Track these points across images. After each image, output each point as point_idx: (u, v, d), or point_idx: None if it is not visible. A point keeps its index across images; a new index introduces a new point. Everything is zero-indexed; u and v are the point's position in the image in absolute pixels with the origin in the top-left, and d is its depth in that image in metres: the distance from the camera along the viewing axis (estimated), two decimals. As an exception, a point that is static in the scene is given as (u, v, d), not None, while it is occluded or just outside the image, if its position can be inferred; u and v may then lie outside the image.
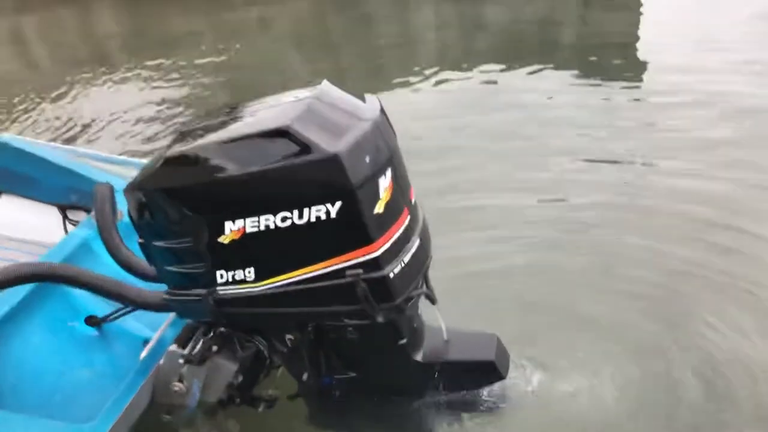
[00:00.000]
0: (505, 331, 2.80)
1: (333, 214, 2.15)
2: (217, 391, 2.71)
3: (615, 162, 5.10)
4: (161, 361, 2.73)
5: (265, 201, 2.20)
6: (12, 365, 2.74)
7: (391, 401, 2.78)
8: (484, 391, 2.76)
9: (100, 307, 3.00)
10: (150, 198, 2.36)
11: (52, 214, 3.97)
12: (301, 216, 2.18)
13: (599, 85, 6.60)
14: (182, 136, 2.39)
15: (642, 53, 7.50)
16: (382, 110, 2.36)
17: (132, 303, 2.72)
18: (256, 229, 2.23)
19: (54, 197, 3.92)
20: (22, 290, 2.90)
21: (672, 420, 2.90)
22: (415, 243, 2.38)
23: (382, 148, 2.25)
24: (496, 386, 2.75)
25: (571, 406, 2.91)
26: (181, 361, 2.66)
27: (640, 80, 6.75)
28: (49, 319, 2.95)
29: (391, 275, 2.26)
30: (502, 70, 7.26)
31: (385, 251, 2.24)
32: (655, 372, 3.12)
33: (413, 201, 2.47)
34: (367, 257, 2.22)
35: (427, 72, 7.53)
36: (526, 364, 2.97)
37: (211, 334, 2.67)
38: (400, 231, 2.31)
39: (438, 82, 7.29)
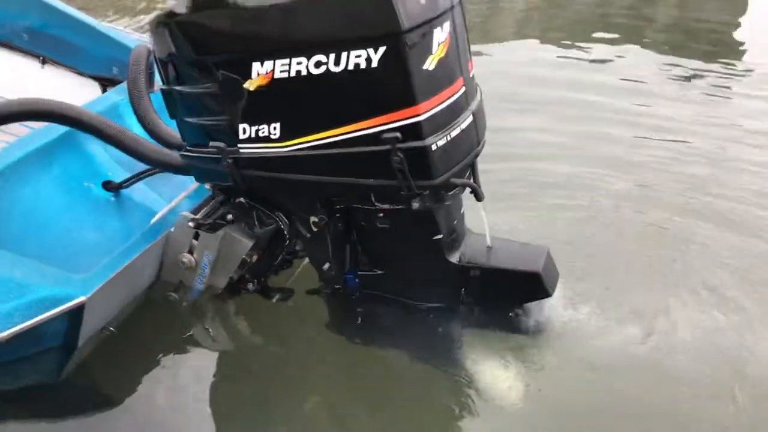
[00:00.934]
0: (561, 255, 2.44)
1: (374, 63, 1.84)
2: (229, 268, 2.46)
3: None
4: (172, 229, 2.50)
5: (299, 40, 1.90)
6: (19, 212, 2.55)
7: (417, 308, 2.47)
8: (524, 313, 2.43)
9: (120, 174, 2.79)
10: (176, 32, 2.08)
11: (93, 87, 3.78)
12: (338, 62, 1.87)
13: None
14: None
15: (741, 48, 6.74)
16: None
17: (146, 159, 2.49)
18: (286, 75, 1.94)
19: (95, 68, 3.73)
20: (42, 138, 2.72)
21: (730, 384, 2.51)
22: (467, 120, 2.06)
23: (443, -6, 1.92)
24: (536, 311, 2.43)
25: (614, 356, 2.53)
26: (192, 227, 2.42)
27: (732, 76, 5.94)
28: (64, 175, 2.75)
29: (434, 147, 1.94)
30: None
31: (430, 117, 1.92)
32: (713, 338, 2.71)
33: (472, 75, 2.13)
34: (409, 121, 1.90)
35: (509, 41, 6.98)
36: (575, 297, 2.60)
37: (230, 202, 2.42)
38: (452, 100, 1.99)
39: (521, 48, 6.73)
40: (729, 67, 5.83)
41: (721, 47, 6.66)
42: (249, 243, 2.42)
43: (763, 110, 4.80)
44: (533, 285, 2.33)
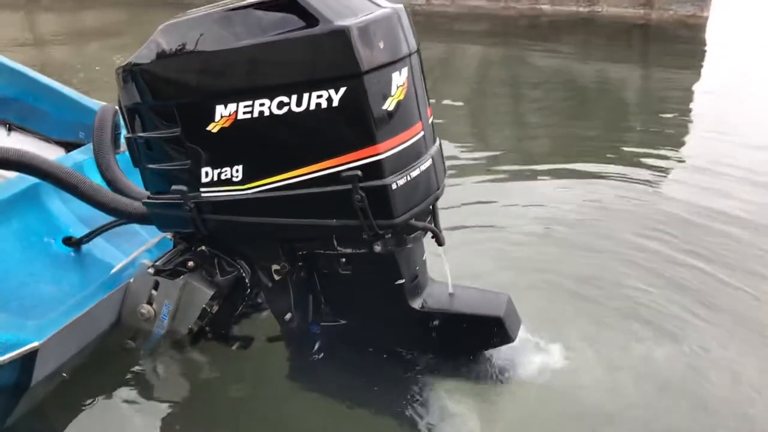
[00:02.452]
0: (521, 301, 2.46)
1: (335, 103, 1.90)
2: (188, 318, 2.42)
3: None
4: (131, 280, 2.47)
5: (262, 82, 1.95)
6: None
7: (380, 357, 2.44)
8: (488, 358, 2.42)
9: (81, 230, 2.77)
10: (140, 79, 2.13)
11: (59, 152, 3.79)
12: (300, 102, 1.92)
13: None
14: (182, 12, 2.18)
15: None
16: (408, 12, 2.12)
17: (106, 208, 2.48)
18: (248, 116, 1.98)
19: (62, 133, 3.75)
20: (3, 193, 2.71)
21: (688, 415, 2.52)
22: (426, 162, 2.10)
23: (401, 41, 2.00)
24: (501, 355, 2.42)
25: (579, 394, 2.53)
26: (151, 277, 2.40)
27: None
28: (24, 230, 2.72)
29: (394, 186, 1.98)
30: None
31: (390, 157, 1.97)
32: (675, 363, 2.75)
33: (430, 121, 2.20)
34: (369, 160, 1.94)
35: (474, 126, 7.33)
36: (538, 339, 2.60)
37: (191, 251, 2.40)
38: (411, 141, 2.04)
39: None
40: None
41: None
42: (209, 292, 2.40)
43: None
44: (496, 330, 2.33)
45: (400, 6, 2.07)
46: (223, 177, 2.10)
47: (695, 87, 7.98)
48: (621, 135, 6.28)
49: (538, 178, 4.91)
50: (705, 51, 9.52)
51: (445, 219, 2.36)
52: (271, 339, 2.52)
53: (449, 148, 5.14)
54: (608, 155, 5.46)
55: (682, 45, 9.80)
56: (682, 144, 5.98)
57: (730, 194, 4.48)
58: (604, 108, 7.41)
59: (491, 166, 5.18)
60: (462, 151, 5.49)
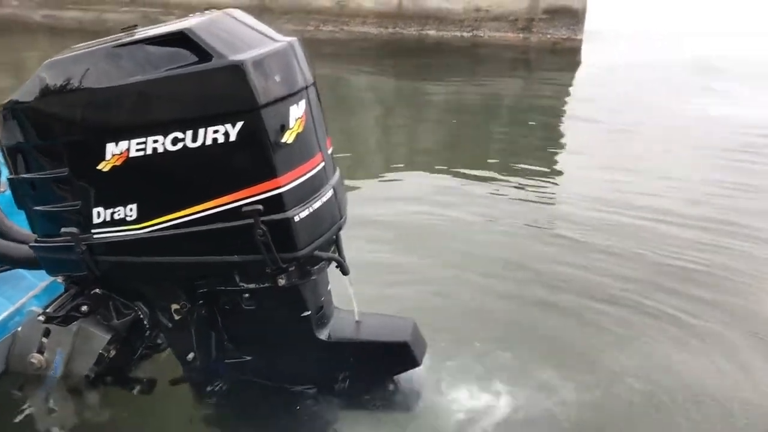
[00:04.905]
0: (428, 326, 2.49)
1: (233, 137, 1.87)
2: (84, 364, 2.31)
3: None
4: (19, 329, 2.33)
5: (155, 118, 1.90)
6: None
7: (288, 391, 2.40)
8: (395, 385, 2.43)
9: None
10: (23, 118, 2.03)
11: None
12: (195, 138, 1.88)
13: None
14: (70, 48, 2.09)
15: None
16: (302, 44, 2.12)
17: None
18: (142, 154, 1.92)
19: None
20: None
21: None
22: (328, 193, 2.11)
23: (297, 74, 2.00)
24: (408, 379, 2.43)
25: (485, 414, 2.58)
26: (41, 324, 2.26)
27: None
28: None
29: (297, 218, 1.97)
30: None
31: (291, 189, 1.96)
32: (579, 388, 2.84)
33: (330, 151, 2.21)
34: (270, 193, 1.93)
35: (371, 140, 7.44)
36: (444, 362, 2.64)
37: (84, 294, 2.29)
38: (312, 173, 2.04)
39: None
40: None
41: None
42: (106, 336, 2.29)
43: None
44: (402, 355, 2.34)
45: (294, 39, 2.08)
46: (116, 217, 2.02)
47: (570, 100, 8.56)
48: (509, 152, 6.59)
49: (436, 198, 5.01)
50: (579, 68, 10.21)
51: (348, 246, 2.37)
52: (175, 381, 2.43)
53: (349, 172, 5.17)
54: (500, 173, 5.70)
55: (559, 64, 10.41)
56: (559, 155, 6.45)
57: (616, 202, 4.79)
58: (494, 126, 7.76)
59: (391, 187, 5.26)
60: (361, 175, 5.55)
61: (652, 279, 3.75)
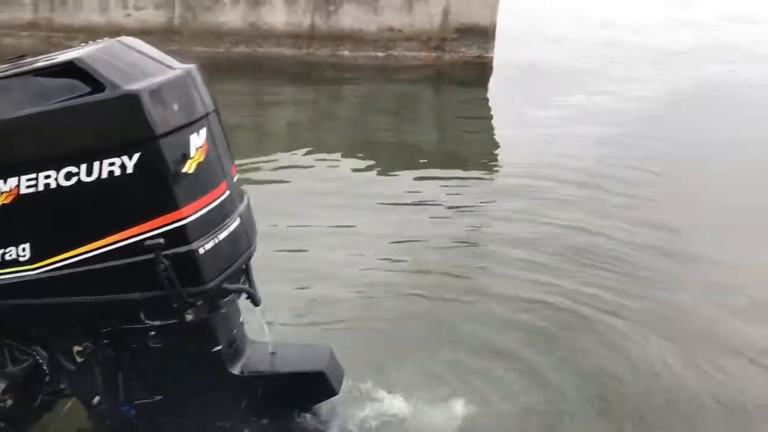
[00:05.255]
0: (345, 352, 2.46)
1: (130, 169, 1.80)
2: (-24, 417, 2.15)
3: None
4: None
5: (46, 152, 1.81)
6: None
7: (203, 428, 2.31)
8: (315, 412, 2.37)
9: None
10: None
11: None
12: (90, 172, 1.80)
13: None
14: None
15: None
16: (200, 71, 2.07)
17: None
18: (33, 190, 1.82)
19: None
20: None
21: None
22: (235, 222, 2.05)
23: (196, 102, 1.95)
24: (328, 408, 2.38)
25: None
26: (-72, 376, 2.10)
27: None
28: None
29: (201, 251, 1.90)
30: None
31: (195, 221, 1.89)
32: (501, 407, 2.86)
33: (235, 179, 2.15)
34: (172, 226, 1.86)
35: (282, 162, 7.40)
36: (364, 387, 2.60)
37: (-25, 341, 2.14)
38: (216, 203, 1.98)
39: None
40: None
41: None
42: (1, 385, 2.14)
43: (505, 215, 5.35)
44: (319, 385, 2.30)
45: (193, 66, 2.02)
46: (7, 258, 1.90)
47: (483, 116, 8.98)
48: (425, 162, 6.69)
49: (349, 222, 4.96)
50: (490, 84, 10.53)
51: (259, 274, 2.30)
52: (81, 430, 2.30)
53: (261, 196, 5.04)
54: (411, 188, 5.74)
55: (471, 81, 10.69)
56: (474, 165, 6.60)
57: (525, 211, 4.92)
58: (410, 137, 7.86)
59: (304, 210, 5.17)
60: (274, 199, 5.46)
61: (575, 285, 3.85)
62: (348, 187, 5.81)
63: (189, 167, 1.88)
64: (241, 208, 2.12)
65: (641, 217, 4.91)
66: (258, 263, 2.26)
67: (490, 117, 9.33)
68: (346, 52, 11.25)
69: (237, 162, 2.20)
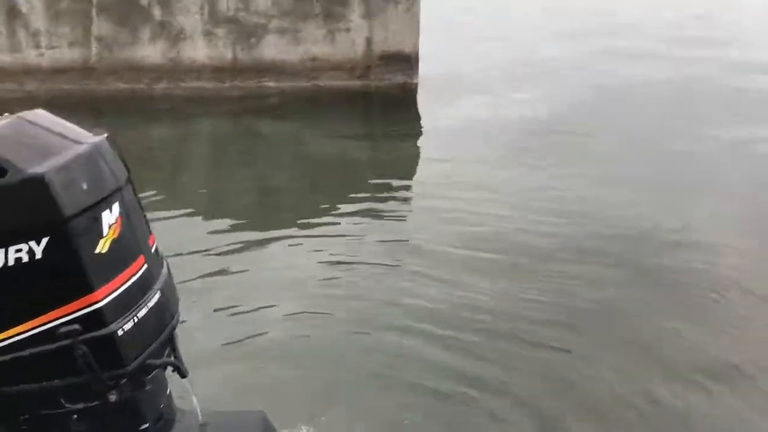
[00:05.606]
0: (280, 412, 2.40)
1: (39, 254, 1.71)
2: None
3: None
4: None
5: None
6: None
7: None
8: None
9: None
10: None
11: None
12: (-6, 260, 1.71)
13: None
14: None
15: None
16: (111, 140, 2.00)
17: None
18: (-67, 282, 1.71)
19: None
20: None
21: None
22: (155, 297, 1.98)
23: (107, 176, 1.88)
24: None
25: None
26: None
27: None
28: None
29: (120, 332, 1.83)
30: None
31: (111, 302, 1.82)
32: None
33: (153, 248, 2.08)
34: (87, 310, 1.78)
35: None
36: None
37: None
38: (133, 279, 1.91)
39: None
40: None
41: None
42: None
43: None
44: (255, 455, 2.24)
45: (101, 138, 1.95)
46: None
47: (410, 139, 9.44)
48: (354, 195, 6.80)
49: (281, 258, 4.93)
50: (417, 109, 10.73)
51: (183, 339, 2.23)
52: None
53: (185, 240, 4.91)
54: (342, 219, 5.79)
55: (397, 107, 10.86)
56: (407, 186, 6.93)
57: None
58: (337, 172, 7.89)
59: (228, 247, 5.11)
60: (192, 239, 5.33)
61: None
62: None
63: (102, 247, 1.81)
64: (162, 278, 2.05)
65: (561, 217, 5.12)
66: (182, 327, 2.19)
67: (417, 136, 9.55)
68: (271, 83, 11.21)
69: (153, 214, 2.13)
